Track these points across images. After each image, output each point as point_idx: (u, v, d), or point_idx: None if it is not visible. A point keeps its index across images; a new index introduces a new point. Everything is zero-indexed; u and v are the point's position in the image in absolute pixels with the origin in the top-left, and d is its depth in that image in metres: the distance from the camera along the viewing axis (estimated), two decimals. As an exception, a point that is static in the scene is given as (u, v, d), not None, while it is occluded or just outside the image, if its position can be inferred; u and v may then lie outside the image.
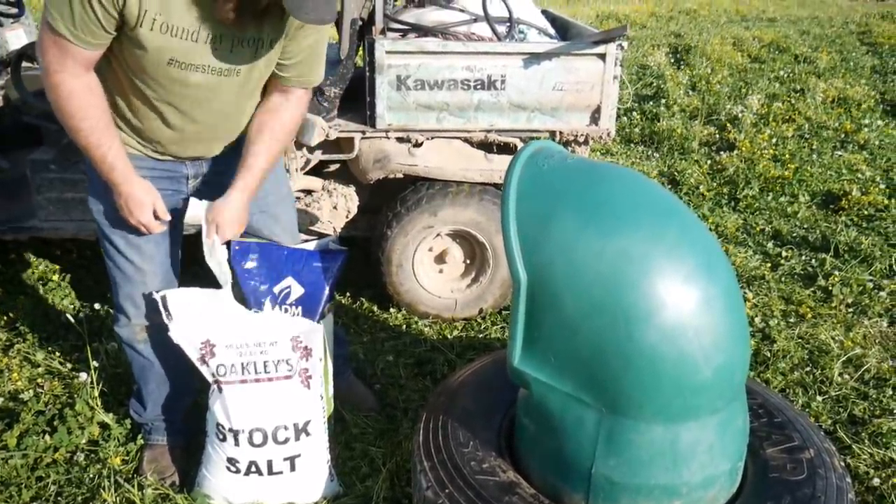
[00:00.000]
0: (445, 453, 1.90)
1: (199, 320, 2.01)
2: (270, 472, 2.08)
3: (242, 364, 2.02)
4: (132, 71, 1.80)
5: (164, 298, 2.01)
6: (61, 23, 1.67)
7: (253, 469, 2.07)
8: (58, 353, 2.86)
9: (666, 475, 1.69)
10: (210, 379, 2.04)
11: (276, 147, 2.01)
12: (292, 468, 2.09)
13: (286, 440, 2.06)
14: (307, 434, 2.08)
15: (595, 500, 1.74)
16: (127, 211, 1.93)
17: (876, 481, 2.26)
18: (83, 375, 2.62)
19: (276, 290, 2.19)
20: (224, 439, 2.05)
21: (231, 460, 2.06)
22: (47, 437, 2.37)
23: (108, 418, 2.44)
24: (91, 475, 2.23)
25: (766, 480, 1.82)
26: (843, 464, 1.90)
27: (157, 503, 2.13)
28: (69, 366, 2.78)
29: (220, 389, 2.03)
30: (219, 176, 2.06)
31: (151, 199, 1.94)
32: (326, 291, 2.23)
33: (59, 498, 2.17)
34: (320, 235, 3.14)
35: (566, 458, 1.75)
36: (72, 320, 2.91)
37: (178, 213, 2.07)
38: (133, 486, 2.14)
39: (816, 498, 1.73)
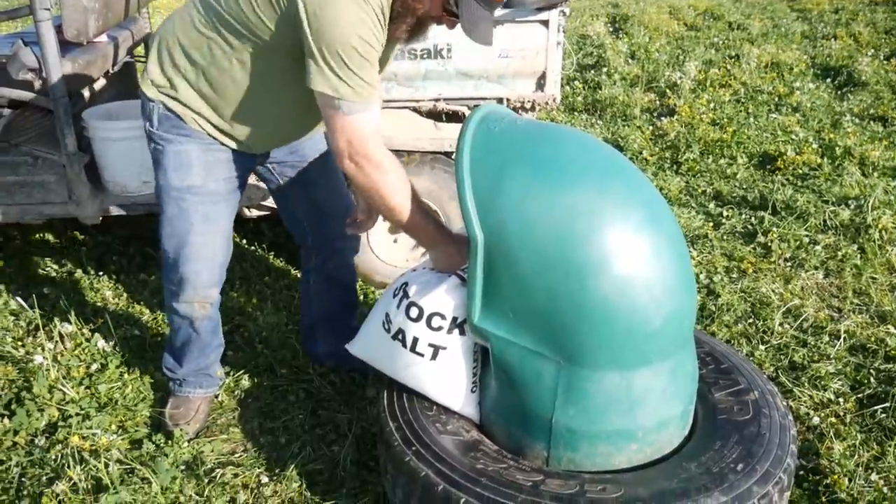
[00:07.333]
0: (411, 415, 1.94)
1: None
2: (413, 350, 1.97)
3: None
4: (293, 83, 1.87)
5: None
6: (368, 95, 1.77)
7: (407, 341, 1.96)
8: (9, 339, 2.81)
9: (622, 420, 1.77)
10: None
11: None
12: (434, 356, 1.96)
13: (439, 328, 1.94)
14: (461, 332, 1.95)
15: (556, 448, 1.80)
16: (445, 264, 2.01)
17: (816, 420, 2.40)
18: (38, 359, 2.58)
19: None
20: (417, 319, 1.95)
21: (399, 331, 1.97)
22: (6, 420, 2.35)
23: (71, 394, 2.43)
24: (54, 455, 2.22)
25: (715, 422, 1.91)
26: (785, 404, 2.01)
27: (123, 478, 2.13)
28: (22, 350, 2.74)
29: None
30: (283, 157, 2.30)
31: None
32: None
33: (22, 479, 2.16)
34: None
35: (527, 410, 1.81)
36: (23, 305, 2.86)
37: (242, 189, 2.22)
38: (99, 463, 2.14)
39: (762, 435, 1.83)
